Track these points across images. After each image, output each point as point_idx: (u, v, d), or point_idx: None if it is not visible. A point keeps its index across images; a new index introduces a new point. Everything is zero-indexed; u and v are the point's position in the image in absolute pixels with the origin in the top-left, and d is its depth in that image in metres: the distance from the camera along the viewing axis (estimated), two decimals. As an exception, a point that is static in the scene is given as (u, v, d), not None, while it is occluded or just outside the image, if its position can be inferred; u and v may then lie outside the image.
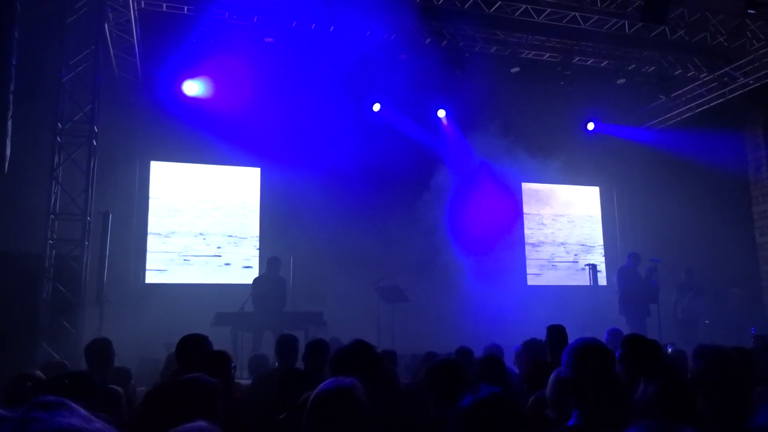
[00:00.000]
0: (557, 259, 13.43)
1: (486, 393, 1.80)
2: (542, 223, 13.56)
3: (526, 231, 13.36)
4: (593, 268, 12.06)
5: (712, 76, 11.42)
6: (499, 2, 9.20)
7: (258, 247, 11.44)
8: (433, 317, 10.38)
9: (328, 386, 2.11)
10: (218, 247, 11.27)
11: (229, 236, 11.39)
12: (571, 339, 2.44)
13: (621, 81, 11.22)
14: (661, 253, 11.00)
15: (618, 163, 13.58)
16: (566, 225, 13.70)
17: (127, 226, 10.30)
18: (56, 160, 8.07)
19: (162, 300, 9.77)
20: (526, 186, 13.43)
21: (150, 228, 10.90)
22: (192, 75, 10.34)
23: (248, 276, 10.50)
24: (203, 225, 11.27)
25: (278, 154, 11.03)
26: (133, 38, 9.30)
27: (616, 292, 10.54)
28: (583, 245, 13.69)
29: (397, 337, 8.97)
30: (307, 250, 10.49)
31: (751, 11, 9.02)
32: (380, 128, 11.24)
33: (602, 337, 5.99)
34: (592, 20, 9.66)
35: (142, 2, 9.11)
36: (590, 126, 12.63)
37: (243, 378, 5.91)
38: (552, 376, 2.81)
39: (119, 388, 3.45)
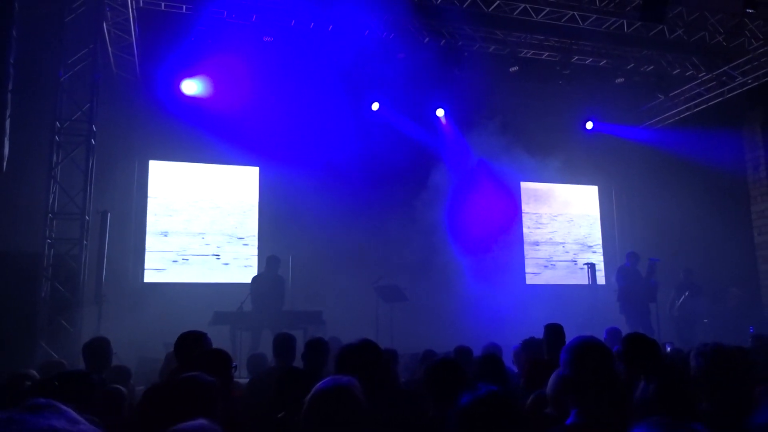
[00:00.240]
0: (556, 259, 13.44)
1: (485, 392, 1.80)
2: (541, 223, 13.57)
3: (525, 230, 13.36)
4: (592, 267, 12.08)
5: (710, 75, 11.43)
6: (498, 1, 9.20)
7: (257, 246, 11.43)
8: (432, 316, 10.39)
9: (326, 385, 2.11)
10: (217, 247, 11.27)
11: (228, 235, 11.39)
12: (569, 338, 2.44)
13: (619, 80, 11.22)
14: (660, 252, 11.02)
15: (617, 163, 13.59)
16: (565, 224, 13.71)
17: (125, 225, 10.29)
18: (54, 159, 8.06)
19: (160, 299, 9.77)
20: (525, 185, 13.44)
21: (148, 227, 10.90)
22: (190, 74, 10.33)
23: (247, 275, 10.50)
24: (202, 224, 11.26)
25: (277, 154, 11.03)
26: (132, 37, 9.29)
27: (614, 291, 10.55)
28: (581, 244, 13.70)
29: (396, 337, 8.97)
30: (306, 249, 10.49)
31: (750, 10, 9.02)
32: (379, 127, 11.23)
33: (601, 336, 6.00)
34: (590, 19, 9.66)
35: (141, 1, 9.10)
36: (589, 125, 12.64)
37: (241, 377, 5.91)
38: (553, 375, 2.81)
39: (122, 388, 3.45)
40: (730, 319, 10.62)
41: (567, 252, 13.55)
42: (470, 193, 11.94)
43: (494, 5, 9.26)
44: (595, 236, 13.87)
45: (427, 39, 10.23)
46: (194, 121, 10.40)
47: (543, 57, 11.00)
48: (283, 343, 4.79)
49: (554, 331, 4.80)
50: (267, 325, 8.44)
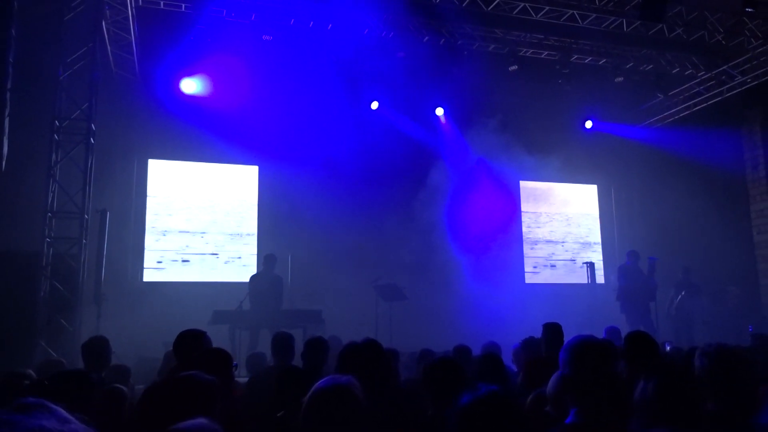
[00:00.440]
0: (555, 258, 13.45)
1: (485, 391, 1.79)
2: (540, 221, 13.57)
3: (524, 229, 13.37)
4: (591, 266, 12.08)
5: (709, 74, 11.43)
6: (498, 0, 9.19)
7: (256, 245, 11.43)
8: (431, 315, 10.39)
9: (326, 384, 2.11)
10: (216, 246, 11.26)
11: (227, 234, 11.38)
12: (568, 337, 2.44)
13: (619, 79, 11.22)
14: (659, 251, 11.02)
15: (616, 161, 13.60)
16: (564, 223, 13.71)
17: (124, 224, 10.29)
18: (54, 158, 8.05)
19: (160, 298, 9.78)
20: (524, 184, 13.44)
21: (148, 226, 10.89)
22: (190, 73, 10.33)
23: (246, 274, 10.48)
24: (201, 223, 11.26)
25: (276, 153, 11.02)
26: (131, 36, 9.28)
27: (614, 290, 10.55)
28: (580, 243, 13.71)
29: (395, 335, 8.98)
30: (305, 248, 10.49)
31: (749, 9, 9.03)
32: (378, 126, 11.23)
33: (600, 335, 6.00)
34: (590, 18, 9.66)
35: (140, 0, 9.09)
36: (588, 124, 12.65)
37: (241, 376, 5.91)
38: (555, 375, 2.81)
39: (123, 387, 3.44)
40: (729, 318, 10.64)
41: (566, 251, 13.56)
42: (469, 192, 11.94)
43: (494, 4, 9.26)
44: (595, 235, 13.87)
45: (426, 38, 10.23)
46: (193, 119, 10.40)
47: (542, 56, 11.00)
48: (282, 343, 4.79)
49: (552, 330, 4.81)
50: (266, 324, 8.43)
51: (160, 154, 11.10)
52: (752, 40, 10.37)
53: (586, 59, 11.15)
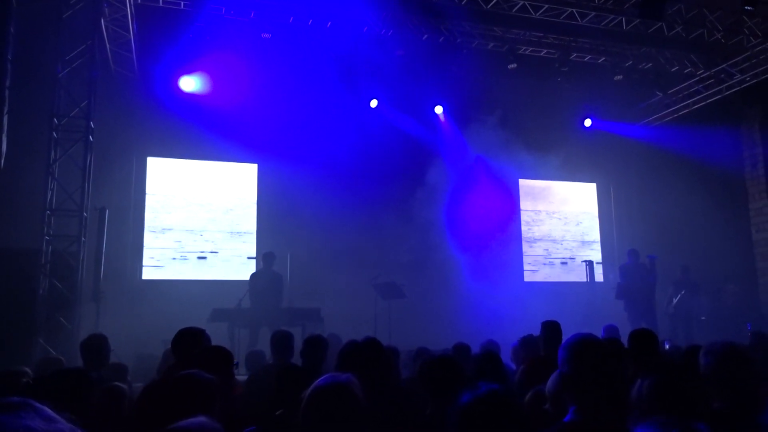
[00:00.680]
0: (554, 256, 13.45)
1: (485, 390, 1.79)
2: (539, 220, 13.57)
3: (523, 227, 13.37)
4: (590, 264, 12.08)
5: (709, 72, 11.43)
6: (497, -2, 9.20)
7: (255, 243, 11.42)
8: (430, 313, 10.40)
9: (325, 382, 2.10)
10: (215, 243, 11.26)
11: (226, 232, 11.38)
12: (567, 335, 2.44)
13: (618, 77, 11.22)
14: (658, 249, 11.03)
15: (615, 160, 13.60)
16: (563, 221, 13.72)
17: (123, 222, 10.28)
18: (52, 155, 8.04)
19: (159, 296, 9.78)
20: (524, 182, 13.44)
21: (147, 224, 10.89)
22: (189, 71, 10.31)
23: (245, 272, 10.48)
24: (200, 221, 11.25)
25: (275, 151, 11.02)
26: (130, 34, 9.27)
27: (612, 289, 10.56)
28: (579, 241, 13.71)
29: (394, 334, 8.98)
30: (305, 246, 10.49)
31: (748, 8, 9.03)
32: (377, 124, 11.23)
33: (599, 333, 6.01)
34: (589, 17, 9.66)
35: (139, -3, 9.08)
36: (587, 122, 12.64)
37: (240, 374, 5.91)
38: (554, 374, 2.81)
39: (124, 385, 3.44)
40: (727, 316, 10.64)
41: (565, 249, 13.56)
42: (468, 190, 11.95)
43: (493, 2, 9.26)
44: (593, 233, 13.88)
45: (425, 36, 10.22)
46: (192, 117, 10.39)
47: (542, 54, 11.00)
48: (281, 341, 4.79)
49: (551, 328, 4.81)
50: (265, 323, 8.44)
51: (159, 152, 11.08)
52: (751, 38, 10.37)
53: (586, 57, 11.15)
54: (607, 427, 2.06)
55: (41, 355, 6.55)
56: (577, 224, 13.81)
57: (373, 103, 11.43)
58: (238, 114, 10.72)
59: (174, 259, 10.95)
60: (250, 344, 8.17)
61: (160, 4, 9.26)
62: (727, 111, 11.88)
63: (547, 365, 3.07)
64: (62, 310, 7.61)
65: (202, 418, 1.65)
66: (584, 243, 13.73)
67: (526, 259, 13.21)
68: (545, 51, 10.93)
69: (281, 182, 11.18)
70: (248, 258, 11.15)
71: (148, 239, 10.86)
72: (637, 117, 13.35)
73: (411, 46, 10.20)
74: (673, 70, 11.51)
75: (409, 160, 11.17)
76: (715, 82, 11.54)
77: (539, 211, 13.60)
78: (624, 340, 4.67)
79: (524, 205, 13.48)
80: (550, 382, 2.74)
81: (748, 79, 11.06)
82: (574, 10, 9.50)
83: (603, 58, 11.19)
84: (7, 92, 6.88)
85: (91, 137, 8.22)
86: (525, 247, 13.27)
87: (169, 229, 11.02)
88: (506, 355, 5.37)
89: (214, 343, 3.81)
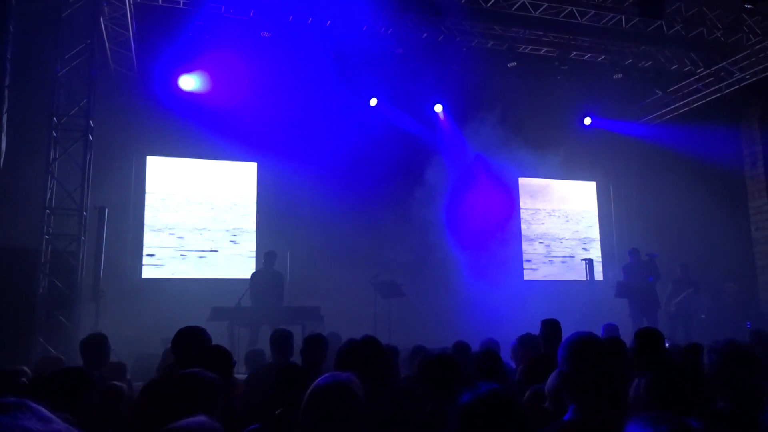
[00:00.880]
0: (553, 254, 13.46)
1: (486, 390, 1.78)
2: (538, 218, 13.57)
3: (523, 226, 13.37)
4: (590, 263, 12.09)
5: (708, 71, 11.42)
6: (496, -3, 9.19)
7: (255, 242, 11.42)
8: (430, 312, 10.40)
9: (325, 381, 2.10)
10: (215, 242, 11.26)
11: (226, 231, 11.38)
12: (567, 334, 2.44)
13: (618, 76, 11.22)
14: (658, 247, 11.04)
15: (615, 158, 13.61)
16: (562, 220, 13.72)
17: (123, 221, 10.28)
18: (52, 154, 8.04)
19: (159, 295, 9.78)
20: (523, 181, 13.44)
21: (146, 223, 10.89)
22: (188, 69, 10.31)
23: (245, 271, 10.49)
24: (200, 220, 11.25)
25: (275, 149, 11.02)
26: (129, 32, 9.26)
27: (612, 287, 10.56)
28: (579, 240, 13.72)
29: (394, 332, 8.99)
30: (304, 244, 10.49)
31: (748, 6, 9.04)
32: (377, 123, 11.22)
33: (598, 331, 6.01)
34: (588, 15, 9.66)
35: (138, -4, 9.07)
36: (587, 121, 12.64)
37: (240, 373, 5.92)
38: (554, 372, 2.81)
39: (123, 385, 3.44)
40: (727, 315, 10.65)
41: (565, 248, 13.57)
42: (468, 188, 11.95)
43: (492, 0, 9.25)
44: (593, 232, 13.88)
45: (425, 34, 10.22)
46: (192, 116, 10.39)
47: (541, 52, 10.99)
48: (280, 340, 4.78)
49: (551, 326, 4.81)
50: (265, 321, 8.44)
51: (158, 151, 11.08)
52: (751, 36, 10.36)
53: (585, 56, 11.15)
54: (607, 425, 2.06)
55: (41, 354, 6.55)
56: (577, 223, 13.81)
57: (373, 102, 11.43)
58: (237, 113, 10.72)
59: (174, 258, 10.95)
60: (250, 343, 8.17)
61: (160, 2, 9.25)
62: (726, 109, 11.88)
63: (548, 364, 3.07)
64: (62, 309, 7.61)
65: (201, 418, 1.65)
66: (584, 241, 13.73)
67: (525, 258, 13.21)
68: (545, 49, 10.93)
69: (281, 181, 11.19)
70: (248, 257, 11.16)
71: (148, 238, 10.86)
72: (636, 115, 13.35)
73: (410, 45, 10.20)
74: (673, 68, 11.51)
75: (409, 159, 11.18)
76: (715, 80, 11.54)
77: (539, 209, 13.60)
78: (624, 338, 4.67)
79: (524, 203, 13.48)
80: (549, 381, 2.74)
81: (747, 77, 11.06)
82: (573, 9, 9.50)
83: (602, 57, 11.19)
84: (6, 91, 6.87)
85: (90, 136, 8.21)
86: (524, 246, 13.27)
87: (169, 228, 11.02)
88: (506, 354, 5.37)
89: (214, 342, 3.81)
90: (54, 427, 0.90)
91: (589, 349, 2.20)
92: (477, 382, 1.84)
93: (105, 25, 8.94)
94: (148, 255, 10.80)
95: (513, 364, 5.25)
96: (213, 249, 11.22)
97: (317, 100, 10.91)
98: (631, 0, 9.32)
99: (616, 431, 1.65)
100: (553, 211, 13.68)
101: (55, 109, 8.06)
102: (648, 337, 3.76)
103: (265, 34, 9.76)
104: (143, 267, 10.72)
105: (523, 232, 13.33)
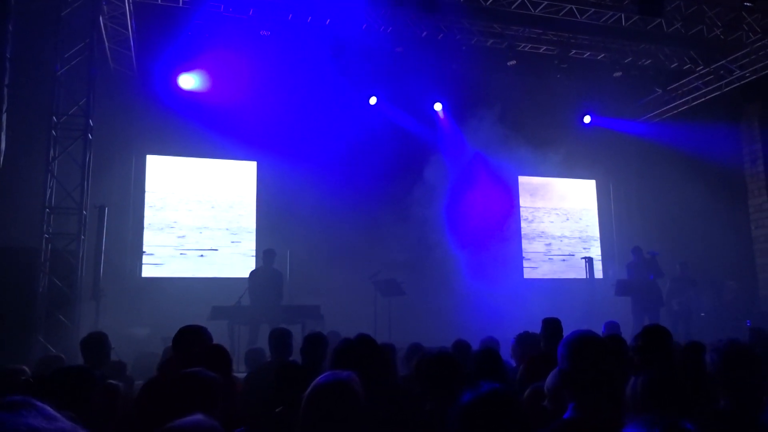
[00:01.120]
0: (553, 253, 13.46)
1: (487, 389, 1.78)
2: (538, 217, 13.57)
3: (522, 224, 13.37)
4: (590, 261, 12.08)
5: (708, 69, 11.42)
6: (496, -5, 9.19)
7: (254, 240, 11.42)
8: (430, 311, 10.40)
9: (325, 379, 2.10)
10: (215, 241, 11.26)
11: (226, 230, 11.38)
12: (567, 332, 2.44)
13: (617, 74, 11.21)
14: (658, 245, 11.04)
15: (614, 156, 13.60)
16: (562, 218, 13.72)
17: (123, 220, 10.28)
18: (51, 153, 8.04)
19: (158, 294, 9.78)
20: (523, 179, 13.43)
21: (146, 222, 10.88)
22: (188, 68, 10.31)
23: (245, 270, 10.48)
24: (200, 219, 11.25)
25: (274, 148, 11.01)
26: (129, 31, 9.26)
27: (613, 285, 10.56)
28: (579, 238, 13.72)
29: (394, 331, 8.99)
30: (304, 243, 10.49)
31: (748, 4, 9.04)
32: (376, 121, 11.22)
33: (599, 330, 6.01)
34: (588, 13, 9.65)
35: (137, -5, 9.07)
36: (587, 119, 12.64)
37: (239, 371, 5.92)
38: (554, 370, 2.81)
39: (119, 383, 3.44)
40: (727, 313, 10.65)
41: (565, 246, 13.57)
42: (467, 187, 11.94)
43: (492, -1, 9.25)
44: (593, 230, 13.88)
45: (424, 32, 10.21)
46: (191, 115, 10.38)
47: (541, 51, 10.99)
48: (279, 338, 4.78)
49: (551, 325, 4.81)
50: (265, 320, 8.43)
51: (158, 150, 11.08)
52: (750, 34, 10.35)
53: (585, 54, 11.14)
54: (607, 424, 2.06)
55: (41, 353, 6.57)
56: (577, 221, 13.81)
57: (373, 101, 11.43)
58: (237, 112, 10.72)
59: (173, 256, 10.95)
60: (250, 342, 8.17)
61: (159, 1, 9.25)
62: (726, 107, 11.88)
63: (548, 362, 3.07)
64: (62, 308, 7.62)
65: (199, 416, 1.65)
66: (584, 239, 13.73)
67: (525, 256, 13.21)
68: (544, 48, 10.92)
69: (280, 179, 11.18)
70: (248, 256, 11.16)
71: (148, 237, 10.86)
72: (636, 113, 13.34)
73: (410, 43, 10.20)
74: (673, 66, 11.51)
75: (408, 157, 11.17)
76: (715, 78, 11.53)
77: (538, 207, 13.60)
78: (625, 336, 4.67)
79: (523, 201, 13.48)
80: (549, 379, 2.74)
81: (747, 75, 11.05)
82: (573, 7, 9.50)
83: (602, 55, 11.18)
84: (6, 90, 6.86)
85: (90, 135, 8.21)
86: (524, 244, 13.27)
87: (169, 227, 11.02)
88: (506, 352, 5.37)
89: (214, 341, 3.81)
90: (59, 425, 0.90)
91: (589, 348, 2.20)
92: (477, 381, 1.84)
93: (104, 24, 8.93)
94: (148, 254, 10.80)
95: (513, 363, 5.25)
96: (213, 248, 11.22)
97: (317, 99, 10.90)
98: (631, -2, 9.32)
99: (615, 429, 1.64)
100: (553, 209, 13.68)
101: (54, 108, 8.06)
102: (655, 334, 3.74)
103: (265, 32, 9.75)
104: (143, 266, 10.72)
105: (522, 231, 13.33)
